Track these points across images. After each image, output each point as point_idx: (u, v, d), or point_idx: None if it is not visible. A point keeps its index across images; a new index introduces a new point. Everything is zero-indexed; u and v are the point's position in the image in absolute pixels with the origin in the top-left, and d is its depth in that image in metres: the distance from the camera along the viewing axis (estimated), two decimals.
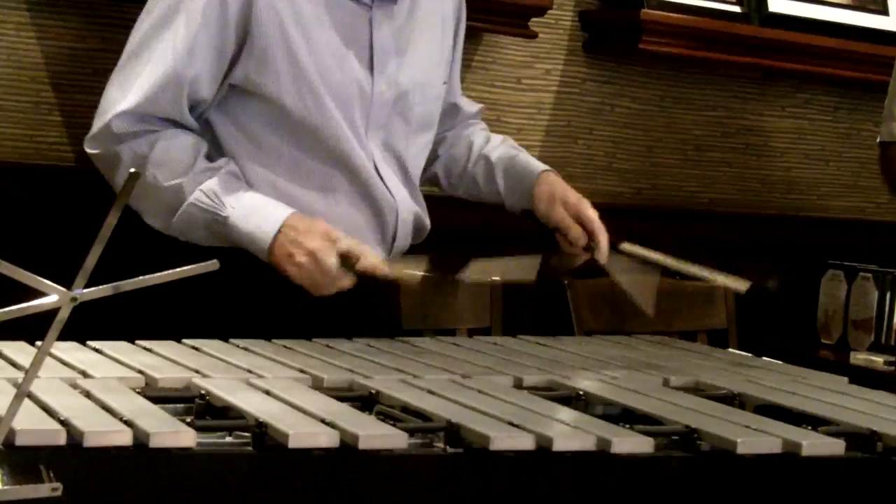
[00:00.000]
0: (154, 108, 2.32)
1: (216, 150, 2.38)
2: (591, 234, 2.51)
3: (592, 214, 2.52)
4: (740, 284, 2.51)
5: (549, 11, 3.35)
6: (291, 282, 2.30)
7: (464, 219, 2.92)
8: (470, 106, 2.75)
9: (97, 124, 2.35)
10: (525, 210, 2.61)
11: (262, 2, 2.31)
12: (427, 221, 2.57)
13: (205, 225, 2.31)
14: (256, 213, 2.31)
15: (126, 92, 2.33)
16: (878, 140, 3.33)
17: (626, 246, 2.53)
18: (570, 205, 2.53)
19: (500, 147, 2.66)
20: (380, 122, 2.44)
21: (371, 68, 2.41)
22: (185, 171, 2.31)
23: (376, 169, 2.44)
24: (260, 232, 2.29)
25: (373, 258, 2.29)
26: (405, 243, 2.52)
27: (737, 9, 3.63)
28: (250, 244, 2.30)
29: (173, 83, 2.31)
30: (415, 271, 2.34)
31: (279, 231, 2.28)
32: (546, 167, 2.62)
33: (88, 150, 2.37)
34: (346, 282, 2.28)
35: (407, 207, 2.49)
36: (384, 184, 2.45)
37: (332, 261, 2.26)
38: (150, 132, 2.32)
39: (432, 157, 2.65)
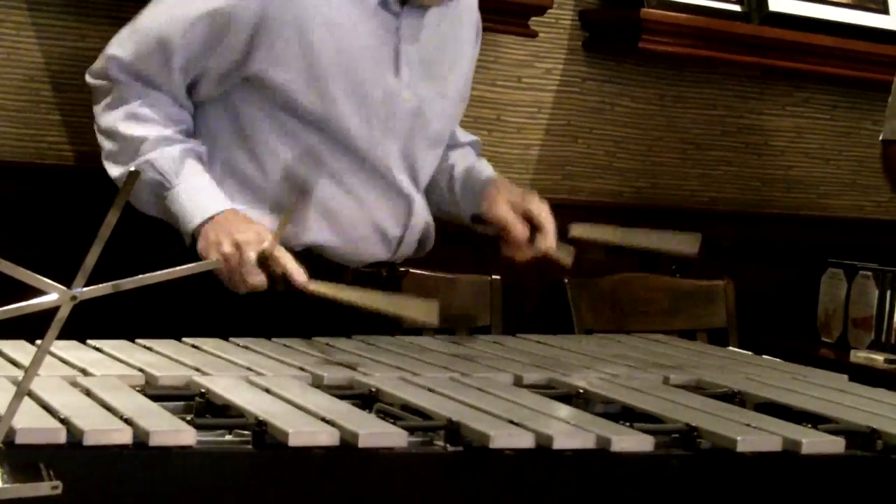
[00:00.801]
0: (143, 65, 2.36)
1: (206, 141, 2.39)
2: (536, 227, 2.41)
3: (539, 207, 2.42)
4: (690, 245, 2.35)
5: (550, 10, 3.35)
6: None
7: None
8: (464, 136, 2.68)
9: (100, 61, 2.42)
10: (474, 214, 2.53)
11: (280, 8, 2.30)
12: (432, 237, 2.55)
13: (151, 188, 2.32)
14: (200, 194, 2.31)
15: (126, 41, 2.39)
16: (880, 138, 3.32)
17: (577, 228, 2.44)
18: (516, 203, 2.43)
19: (463, 161, 2.60)
20: (400, 132, 2.42)
21: (397, 77, 2.40)
22: (155, 132, 2.34)
23: (393, 174, 2.43)
24: (196, 212, 2.29)
25: (294, 266, 2.22)
26: (409, 250, 2.51)
27: (737, 8, 3.62)
28: (181, 221, 2.30)
29: (162, 47, 2.34)
30: (335, 291, 2.24)
31: (213, 218, 2.27)
32: (497, 175, 2.56)
33: (88, 80, 2.44)
34: (258, 280, 2.23)
35: (420, 213, 2.49)
36: (402, 188, 2.44)
37: (252, 255, 2.22)
38: (144, 87, 2.37)
39: None
